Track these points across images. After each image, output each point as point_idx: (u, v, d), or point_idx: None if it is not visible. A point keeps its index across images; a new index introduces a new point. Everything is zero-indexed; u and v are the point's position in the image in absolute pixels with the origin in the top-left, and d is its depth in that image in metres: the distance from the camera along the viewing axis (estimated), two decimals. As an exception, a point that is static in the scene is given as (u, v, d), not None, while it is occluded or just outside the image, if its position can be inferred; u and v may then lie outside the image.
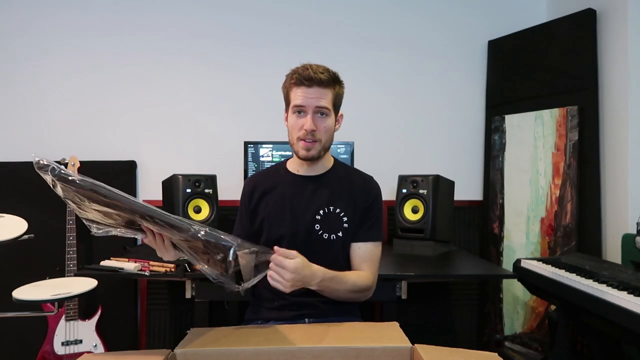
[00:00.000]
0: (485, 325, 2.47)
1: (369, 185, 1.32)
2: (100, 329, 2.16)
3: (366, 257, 1.27)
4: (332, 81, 1.19)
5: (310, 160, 1.24)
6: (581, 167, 2.12)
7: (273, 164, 1.52)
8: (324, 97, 1.18)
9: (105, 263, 1.70)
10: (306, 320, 1.22)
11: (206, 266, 0.96)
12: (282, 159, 1.42)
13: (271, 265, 1.03)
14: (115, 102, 2.48)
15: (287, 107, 1.25)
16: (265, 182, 1.32)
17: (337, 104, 1.24)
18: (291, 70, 1.22)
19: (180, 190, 2.01)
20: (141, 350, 0.93)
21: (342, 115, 1.30)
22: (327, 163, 1.31)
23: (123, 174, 2.44)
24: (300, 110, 1.19)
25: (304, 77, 1.17)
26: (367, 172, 1.37)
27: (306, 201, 1.26)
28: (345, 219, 1.25)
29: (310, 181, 1.28)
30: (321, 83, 1.17)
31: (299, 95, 1.18)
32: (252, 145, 2.27)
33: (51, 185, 0.86)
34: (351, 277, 1.20)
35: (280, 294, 1.25)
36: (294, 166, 1.32)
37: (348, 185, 1.29)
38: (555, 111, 2.22)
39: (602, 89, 2.09)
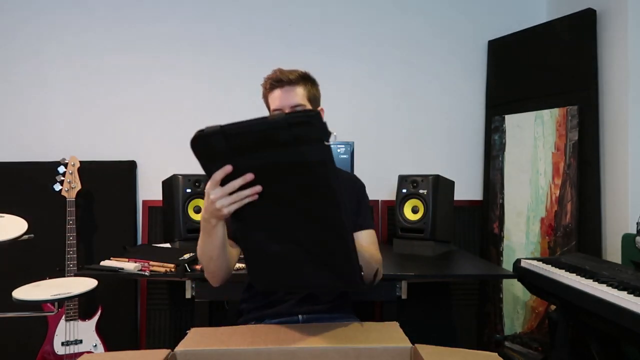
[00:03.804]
0: (485, 325, 2.47)
1: (353, 180, 1.44)
2: (100, 329, 2.16)
3: (370, 240, 1.32)
4: (301, 79, 1.25)
5: None
6: (581, 167, 2.12)
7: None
8: (297, 95, 1.24)
9: (105, 263, 1.70)
10: (299, 317, 1.25)
11: None
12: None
13: None
14: (115, 102, 2.48)
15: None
16: None
17: (312, 100, 1.28)
18: (264, 78, 1.28)
19: (180, 190, 2.01)
20: (141, 350, 0.93)
21: (322, 109, 1.33)
22: None
23: (123, 174, 2.44)
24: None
25: (275, 80, 1.24)
26: (367, 172, 1.40)
27: None
28: None
29: None
30: (291, 82, 1.23)
31: (275, 98, 1.24)
32: (252, 145, 2.26)
33: None
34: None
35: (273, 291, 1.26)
36: None
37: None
38: (555, 111, 2.22)
39: (602, 89, 2.09)
